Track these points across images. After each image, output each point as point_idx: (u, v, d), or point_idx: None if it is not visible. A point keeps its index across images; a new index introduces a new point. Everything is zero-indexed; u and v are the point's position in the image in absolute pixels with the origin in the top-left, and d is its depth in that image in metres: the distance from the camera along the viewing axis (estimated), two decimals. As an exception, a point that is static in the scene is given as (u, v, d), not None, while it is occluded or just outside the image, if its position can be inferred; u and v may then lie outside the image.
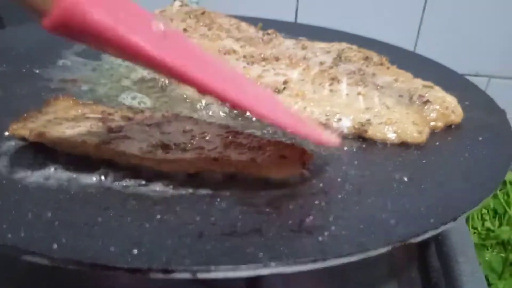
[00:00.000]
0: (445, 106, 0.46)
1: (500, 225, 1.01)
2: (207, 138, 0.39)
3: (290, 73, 0.52)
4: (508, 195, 1.06)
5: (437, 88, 0.49)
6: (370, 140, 0.44)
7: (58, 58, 0.60)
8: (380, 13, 1.17)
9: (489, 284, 0.89)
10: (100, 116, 0.42)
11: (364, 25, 1.07)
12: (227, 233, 0.29)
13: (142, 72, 0.55)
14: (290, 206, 0.32)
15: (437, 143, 0.43)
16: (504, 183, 1.09)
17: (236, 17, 0.86)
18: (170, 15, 0.71)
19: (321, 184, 0.36)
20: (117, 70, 0.58)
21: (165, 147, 0.36)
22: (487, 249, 0.95)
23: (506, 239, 0.96)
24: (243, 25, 0.67)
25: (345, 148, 0.43)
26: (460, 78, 0.60)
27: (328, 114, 0.46)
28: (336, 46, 0.59)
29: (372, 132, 0.44)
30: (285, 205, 0.32)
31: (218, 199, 0.33)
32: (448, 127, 0.47)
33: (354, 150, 0.43)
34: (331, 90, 0.49)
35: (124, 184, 0.34)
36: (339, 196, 0.34)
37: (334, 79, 0.50)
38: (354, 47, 0.59)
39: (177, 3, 0.77)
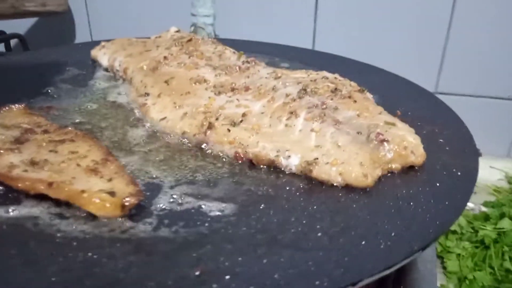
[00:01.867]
0: (404, 146, 0.43)
1: (524, 266, 0.92)
2: (79, 162, 0.41)
3: (253, 105, 0.51)
4: (536, 233, 0.96)
5: (401, 125, 0.45)
6: (316, 181, 0.42)
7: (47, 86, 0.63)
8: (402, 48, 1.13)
9: (501, 333, 0.81)
10: (28, 126, 0.47)
11: (384, 59, 1.04)
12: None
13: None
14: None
15: (385, 188, 0.40)
16: (532, 219, 1.00)
17: (250, 42, 0.86)
18: (162, 40, 0.73)
19: (243, 228, 0.34)
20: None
21: (33, 164, 0.40)
22: (503, 294, 0.86)
23: (527, 283, 0.87)
24: (227, 52, 0.67)
25: (287, 188, 0.41)
26: (446, 110, 0.55)
27: (278, 150, 0.45)
28: (312, 76, 0.57)
29: (318, 172, 0.42)
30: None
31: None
32: (410, 168, 0.43)
33: (293, 190, 0.41)
34: (286, 125, 0.47)
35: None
36: (249, 246, 0.32)
37: (292, 113, 0.48)
38: (330, 77, 0.57)
39: (173, 29, 0.79)
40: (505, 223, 0.98)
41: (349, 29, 1.07)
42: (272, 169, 0.44)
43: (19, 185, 0.37)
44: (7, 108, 0.52)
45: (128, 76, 0.64)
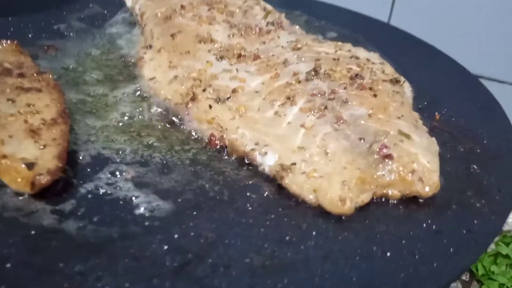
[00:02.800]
0: (411, 169, 0.32)
1: None
2: (27, 119, 0.36)
3: (251, 79, 0.42)
4: None
5: (418, 139, 0.34)
6: (286, 190, 0.33)
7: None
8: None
9: None
10: (8, 66, 0.44)
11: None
12: None
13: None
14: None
15: (365, 221, 0.31)
16: None
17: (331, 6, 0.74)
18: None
19: (154, 244, 0.28)
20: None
21: None
22: None
23: None
24: (256, 9, 0.57)
25: (247, 194, 0.33)
26: (502, 120, 0.42)
27: (257, 142, 0.36)
28: (339, 53, 0.46)
29: (290, 181, 0.33)
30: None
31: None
32: (413, 199, 0.33)
33: (252, 200, 0.32)
34: (276, 112, 0.38)
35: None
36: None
37: (289, 99, 0.39)
38: (362, 57, 0.45)
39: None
40: None
41: (430, 9, 0.88)
42: (244, 164, 0.36)
43: None
44: (-2, 43, 0.49)
45: (143, 22, 0.57)
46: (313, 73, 0.41)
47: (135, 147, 0.38)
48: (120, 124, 0.41)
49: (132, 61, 0.51)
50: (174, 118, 0.42)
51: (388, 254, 0.28)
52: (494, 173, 0.35)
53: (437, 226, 0.30)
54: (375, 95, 0.39)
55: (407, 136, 0.34)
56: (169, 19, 0.54)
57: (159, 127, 0.40)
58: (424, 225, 0.30)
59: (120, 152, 0.37)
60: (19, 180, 0.30)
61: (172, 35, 0.50)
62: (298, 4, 0.72)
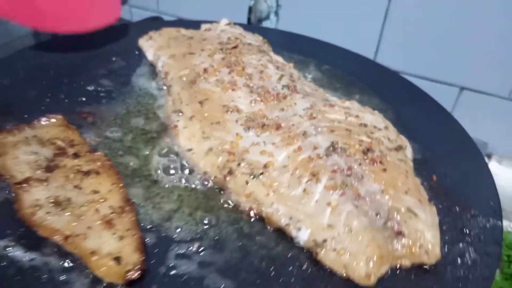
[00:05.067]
0: (419, 244, 0.41)
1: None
2: (98, 207, 0.43)
3: (278, 153, 0.50)
4: None
5: (423, 216, 0.43)
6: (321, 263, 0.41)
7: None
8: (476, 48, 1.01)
9: None
10: (62, 145, 0.51)
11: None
12: None
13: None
14: None
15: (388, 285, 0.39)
16: None
17: (314, 40, 0.81)
18: (209, 39, 0.71)
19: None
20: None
21: (56, 204, 0.43)
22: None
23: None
24: (270, 68, 0.64)
25: (289, 268, 0.41)
26: (489, 182, 0.51)
27: (291, 217, 0.44)
28: (349, 120, 0.54)
29: (323, 256, 0.41)
30: None
31: None
32: (420, 267, 0.41)
33: (295, 271, 0.41)
34: (304, 190, 0.46)
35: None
36: None
37: (314, 176, 0.46)
38: (370, 124, 0.53)
39: (224, 22, 0.76)
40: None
41: (416, 46, 0.96)
42: (281, 236, 0.44)
43: (40, 231, 0.41)
44: (46, 119, 0.54)
45: (168, 82, 0.63)
46: (331, 148, 0.49)
47: (189, 223, 0.45)
48: (168, 194, 0.48)
49: (164, 127, 0.58)
50: (216, 188, 0.49)
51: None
52: (485, 235, 0.44)
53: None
54: (384, 169, 0.47)
55: (415, 214, 0.43)
56: (194, 84, 0.60)
57: (203, 200, 0.48)
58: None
59: (174, 229, 0.44)
60: (111, 274, 0.38)
61: (201, 102, 0.57)
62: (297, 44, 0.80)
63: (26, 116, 0.55)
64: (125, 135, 0.56)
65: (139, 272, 0.38)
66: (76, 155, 0.50)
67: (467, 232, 0.45)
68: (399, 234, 0.41)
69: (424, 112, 0.65)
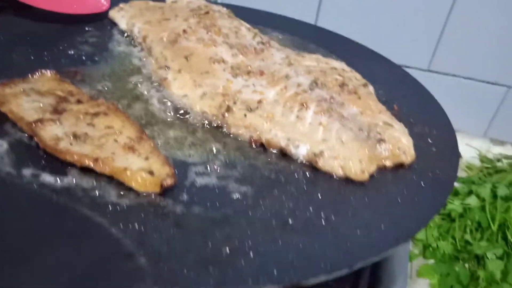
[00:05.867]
0: (397, 147, 0.50)
1: (481, 239, 1.04)
2: (116, 138, 0.46)
3: (268, 91, 0.56)
4: (496, 209, 1.07)
5: (397, 126, 0.52)
6: (319, 170, 0.49)
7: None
8: (399, 28, 1.18)
9: (454, 295, 0.93)
10: (62, 94, 0.52)
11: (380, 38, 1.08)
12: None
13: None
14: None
15: (378, 183, 0.48)
16: (495, 196, 1.11)
17: (257, 11, 0.88)
18: (179, 8, 0.76)
19: (260, 212, 0.42)
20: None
21: (75, 137, 0.45)
22: (459, 261, 0.99)
23: (480, 254, 0.99)
24: (243, 29, 0.70)
25: (295, 176, 0.48)
26: (438, 109, 0.62)
27: (289, 139, 0.51)
28: (322, 66, 0.62)
29: (322, 164, 0.48)
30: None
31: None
32: (400, 166, 0.50)
33: (301, 178, 0.48)
34: (297, 116, 0.53)
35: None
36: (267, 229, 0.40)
37: (303, 105, 0.54)
38: (338, 67, 0.62)
39: (189, -5, 0.81)
40: (471, 200, 1.09)
41: (352, 8, 1.09)
42: (281, 155, 0.51)
43: (67, 157, 0.43)
44: (38, 73, 0.56)
45: (147, 44, 0.67)
46: (314, 84, 0.57)
47: (199, 151, 0.50)
48: (174, 135, 0.52)
49: (151, 79, 0.62)
50: (214, 124, 0.54)
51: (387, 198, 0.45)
52: (441, 142, 0.54)
53: (419, 179, 0.48)
54: (359, 97, 0.56)
55: (390, 125, 0.52)
56: (175, 43, 0.65)
57: (207, 133, 0.53)
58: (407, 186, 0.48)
59: (188, 157, 0.49)
60: (148, 184, 0.41)
61: (186, 57, 0.62)
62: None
63: (14, 77, 0.56)
64: (117, 88, 0.59)
65: (173, 179, 0.42)
66: (79, 101, 0.52)
67: (431, 141, 0.55)
68: (381, 141, 0.50)
69: (374, 65, 0.75)
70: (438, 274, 1.00)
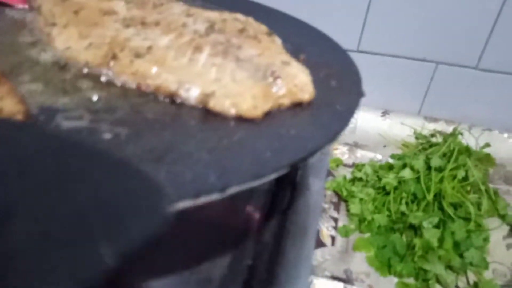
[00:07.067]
0: (294, 83, 0.46)
1: (417, 210, 1.03)
2: None
3: (160, 39, 0.52)
4: (431, 180, 1.07)
5: (295, 64, 0.49)
6: (213, 112, 0.44)
7: None
8: (326, 6, 1.18)
9: (390, 266, 0.92)
10: None
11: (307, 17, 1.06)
12: None
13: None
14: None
15: (273, 119, 0.44)
16: (429, 168, 1.11)
17: None
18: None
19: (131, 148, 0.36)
20: None
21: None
22: (394, 233, 0.97)
23: (416, 224, 0.98)
24: (144, -13, 0.66)
25: (184, 118, 0.43)
26: (347, 59, 0.59)
27: (180, 82, 0.46)
28: (224, 16, 0.59)
29: (214, 103, 0.44)
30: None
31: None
32: (299, 105, 0.47)
33: (190, 119, 0.43)
34: (190, 59, 0.48)
35: None
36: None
37: (197, 49, 0.49)
38: (242, 18, 0.58)
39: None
40: (405, 173, 1.08)
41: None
42: (173, 102, 0.46)
43: None
44: None
45: (37, 2, 0.61)
46: (210, 29, 0.53)
47: (75, 98, 0.44)
48: (49, 83, 0.46)
49: (37, 38, 0.56)
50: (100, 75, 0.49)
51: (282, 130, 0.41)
52: (345, 84, 0.51)
53: (317, 113, 0.44)
54: (259, 42, 0.52)
55: (288, 63, 0.48)
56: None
57: (89, 82, 0.47)
58: (307, 114, 0.44)
59: (61, 104, 0.43)
60: None
61: (75, 12, 0.56)
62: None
63: None
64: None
65: (24, 117, 0.36)
66: None
67: (334, 83, 0.52)
68: (277, 78, 0.46)
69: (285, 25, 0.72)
70: (374, 246, 0.98)
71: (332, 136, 0.40)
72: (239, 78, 0.46)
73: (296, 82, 0.46)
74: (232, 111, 0.43)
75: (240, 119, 0.43)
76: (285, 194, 0.52)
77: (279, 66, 0.47)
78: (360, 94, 0.48)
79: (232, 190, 0.32)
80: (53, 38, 0.54)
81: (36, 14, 0.60)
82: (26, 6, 0.64)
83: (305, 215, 0.48)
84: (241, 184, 0.32)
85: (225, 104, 0.44)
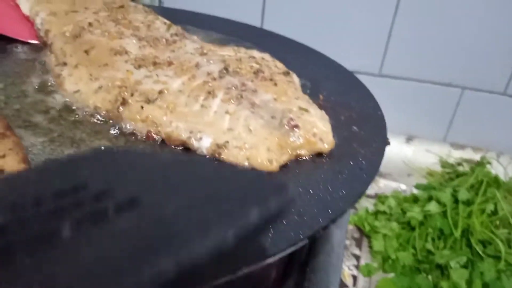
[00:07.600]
0: (313, 133, 0.43)
1: (444, 247, 0.97)
2: None
3: (172, 81, 0.49)
4: (458, 214, 1.01)
5: (314, 111, 0.46)
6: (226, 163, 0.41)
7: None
8: (347, 30, 1.15)
9: (415, 309, 0.86)
10: None
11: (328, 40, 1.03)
12: None
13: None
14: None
15: (289, 173, 0.40)
16: (456, 201, 1.05)
17: (199, 14, 0.83)
18: (90, 2, 0.69)
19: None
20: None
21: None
22: (420, 273, 0.91)
23: (443, 263, 0.93)
24: (157, 23, 0.64)
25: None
26: (367, 96, 0.56)
27: (191, 131, 0.44)
28: (239, 55, 0.56)
29: (226, 155, 0.41)
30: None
31: None
32: (319, 155, 0.43)
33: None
34: (202, 106, 0.46)
35: None
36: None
37: (210, 93, 0.47)
38: (258, 56, 0.56)
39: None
40: (431, 206, 1.02)
41: (297, 9, 1.06)
42: (184, 149, 0.44)
43: None
44: None
45: (49, 40, 0.60)
46: (224, 71, 0.50)
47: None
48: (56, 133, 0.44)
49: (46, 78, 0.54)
50: (110, 121, 0.47)
51: (300, 189, 0.38)
52: (368, 129, 0.47)
53: (338, 168, 0.41)
54: (275, 84, 0.49)
55: (306, 110, 0.45)
56: (78, 37, 0.58)
57: (98, 129, 0.45)
58: (327, 168, 0.41)
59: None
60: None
61: (86, 51, 0.55)
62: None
63: None
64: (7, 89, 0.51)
65: None
66: None
67: (356, 129, 0.48)
68: (294, 127, 0.43)
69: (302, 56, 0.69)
70: (398, 288, 0.92)
71: (355, 199, 0.36)
72: (254, 127, 0.43)
73: (315, 131, 0.43)
74: (246, 164, 0.40)
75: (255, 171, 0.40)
76: (303, 246, 0.49)
77: (296, 113, 0.44)
78: (385, 143, 0.45)
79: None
80: (63, 79, 0.52)
81: (46, 53, 0.59)
82: (37, 42, 0.63)
83: (325, 273, 0.44)
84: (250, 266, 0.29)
85: (238, 156, 0.41)
